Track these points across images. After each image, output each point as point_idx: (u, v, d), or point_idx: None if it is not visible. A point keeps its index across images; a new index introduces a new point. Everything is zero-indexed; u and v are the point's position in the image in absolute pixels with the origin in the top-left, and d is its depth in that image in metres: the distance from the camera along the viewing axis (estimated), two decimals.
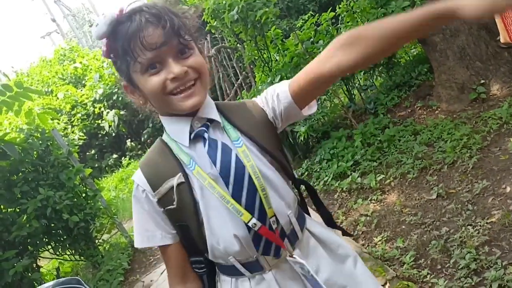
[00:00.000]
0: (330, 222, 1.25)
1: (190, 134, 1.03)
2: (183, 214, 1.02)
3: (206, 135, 1.02)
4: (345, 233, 1.31)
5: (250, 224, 0.99)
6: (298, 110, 1.06)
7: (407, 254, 2.77)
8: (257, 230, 1.00)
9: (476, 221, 2.77)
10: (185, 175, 1.01)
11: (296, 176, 1.18)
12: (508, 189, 2.93)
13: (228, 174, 0.99)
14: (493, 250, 2.48)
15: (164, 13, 0.93)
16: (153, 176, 1.04)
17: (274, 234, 1.03)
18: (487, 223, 2.70)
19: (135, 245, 1.10)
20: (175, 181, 1.01)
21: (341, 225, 3.49)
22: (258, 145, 1.05)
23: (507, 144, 3.39)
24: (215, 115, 1.06)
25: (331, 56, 0.93)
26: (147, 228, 1.06)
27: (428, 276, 2.53)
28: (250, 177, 0.99)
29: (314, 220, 1.20)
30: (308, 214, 1.22)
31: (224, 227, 1.01)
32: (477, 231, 2.66)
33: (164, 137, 1.10)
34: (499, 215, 2.71)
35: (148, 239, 1.07)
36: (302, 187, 1.24)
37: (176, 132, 1.05)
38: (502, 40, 3.20)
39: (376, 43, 0.87)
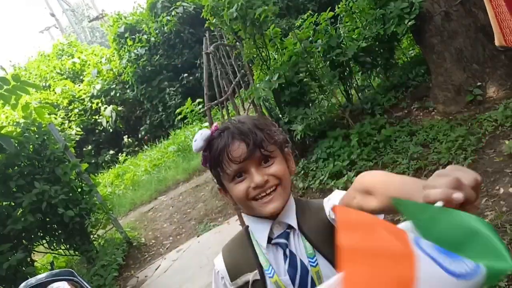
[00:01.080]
0: None
1: (270, 238, 1.11)
2: None
3: (287, 251, 1.10)
4: None
5: None
6: None
7: None
8: None
9: None
10: (262, 273, 1.10)
11: None
12: (502, 190, 2.95)
13: None
14: None
15: (248, 129, 1.05)
16: (233, 267, 1.16)
17: None
18: None
19: None
20: (251, 277, 1.11)
21: None
22: (328, 261, 1.10)
23: (501, 146, 3.41)
24: (293, 221, 1.12)
25: (353, 197, 0.95)
26: None
27: None
28: None
29: None
30: None
31: None
32: None
33: (250, 229, 1.18)
34: (492, 216, 2.73)
35: None
36: None
37: (257, 232, 1.14)
38: (497, 43, 3.20)
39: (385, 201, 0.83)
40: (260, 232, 1.12)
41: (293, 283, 1.07)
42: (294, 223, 1.12)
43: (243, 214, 1.17)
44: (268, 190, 1.06)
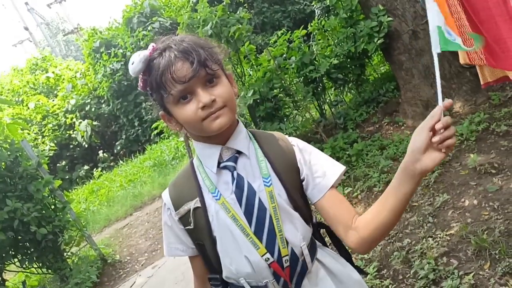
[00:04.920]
0: (349, 262, 1.30)
1: (219, 162, 1.12)
2: (199, 234, 1.14)
3: (235, 173, 1.11)
4: (361, 271, 1.35)
5: (264, 258, 1.09)
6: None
7: (370, 265, 2.87)
8: (269, 264, 1.09)
9: (436, 233, 2.90)
10: (202, 200, 1.12)
11: (315, 220, 1.27)
12: (467, 202, 3.08)
13: (251, 214, 1.09)
14: (451, 261, 2.60)
15: (191, 47, 1.01)
16: (176, 197, 1.16)
17: (283, 272, 1.11)
18: (446, 235, 2.83)
19: (164, 254, 1.24)
20: (192, 205, 1.12)
21: None
22: (284, 186, 1.12)
23: (467, 159, 3.55)
24: (243, 147, 1.13)
25: (350, 227, 1.10)
26: (171, 241, 1.21)
27: (390, 286, 2.63)
28: (271, 217, 1.09)
29: (327, 251, 1.27)
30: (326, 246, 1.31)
31: (236, 249, 1.10)
32: (436, 243, 2.79)
33: (195, 160, 1.19)
34: (458, 228, 2.84)
35: (171, 250, 1.22)
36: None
37: (206, 157, 1.14)
38: (461, 61, 3.36)
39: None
40: (209, 157, 1.12)
41: (240, 203, 1.08)
42: (243, 148, 1.13)
43: (194, 142, 1.16)
44: (216, 110, 1.03)
